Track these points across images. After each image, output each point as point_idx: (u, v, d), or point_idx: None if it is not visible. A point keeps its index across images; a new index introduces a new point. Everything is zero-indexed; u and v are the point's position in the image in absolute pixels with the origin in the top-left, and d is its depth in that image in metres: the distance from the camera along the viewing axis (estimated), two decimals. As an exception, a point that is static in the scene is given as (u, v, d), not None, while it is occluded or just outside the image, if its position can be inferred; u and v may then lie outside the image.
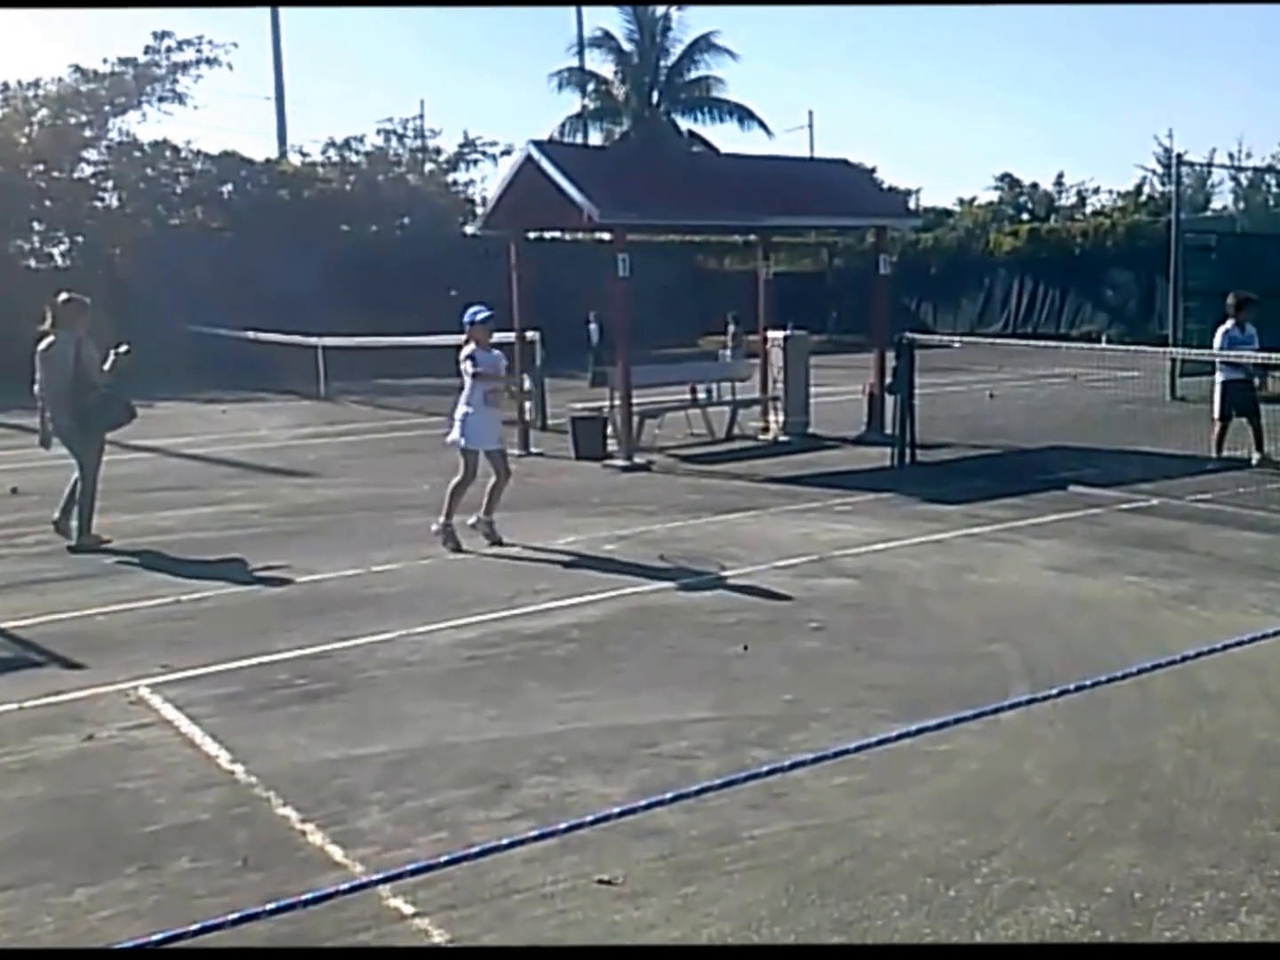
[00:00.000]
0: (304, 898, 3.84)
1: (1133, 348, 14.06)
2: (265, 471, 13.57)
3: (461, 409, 9.25)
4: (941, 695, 5.65)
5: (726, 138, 42.69)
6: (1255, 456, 11.97)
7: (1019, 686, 5.77)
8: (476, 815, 4.49)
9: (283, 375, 23.50)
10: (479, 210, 34.69)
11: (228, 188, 32.22)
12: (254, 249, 28.41)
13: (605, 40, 42.73)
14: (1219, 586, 7.54)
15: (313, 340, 23.03)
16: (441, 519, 9.18)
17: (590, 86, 42.94)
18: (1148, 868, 3.99)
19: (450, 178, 36.55)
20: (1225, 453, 12.06)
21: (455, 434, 9.28)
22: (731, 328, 22.49)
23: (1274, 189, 34.86)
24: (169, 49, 30.16)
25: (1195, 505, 10.10)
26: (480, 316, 9.35)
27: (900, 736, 5.11)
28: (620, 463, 13.13)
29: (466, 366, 9.18)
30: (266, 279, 26.44)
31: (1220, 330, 12.46)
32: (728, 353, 21.76)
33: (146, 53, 30.11)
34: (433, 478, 12.33)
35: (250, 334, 24.21)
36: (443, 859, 4.10)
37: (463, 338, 9.46)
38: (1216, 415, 12.32)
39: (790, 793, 4.63)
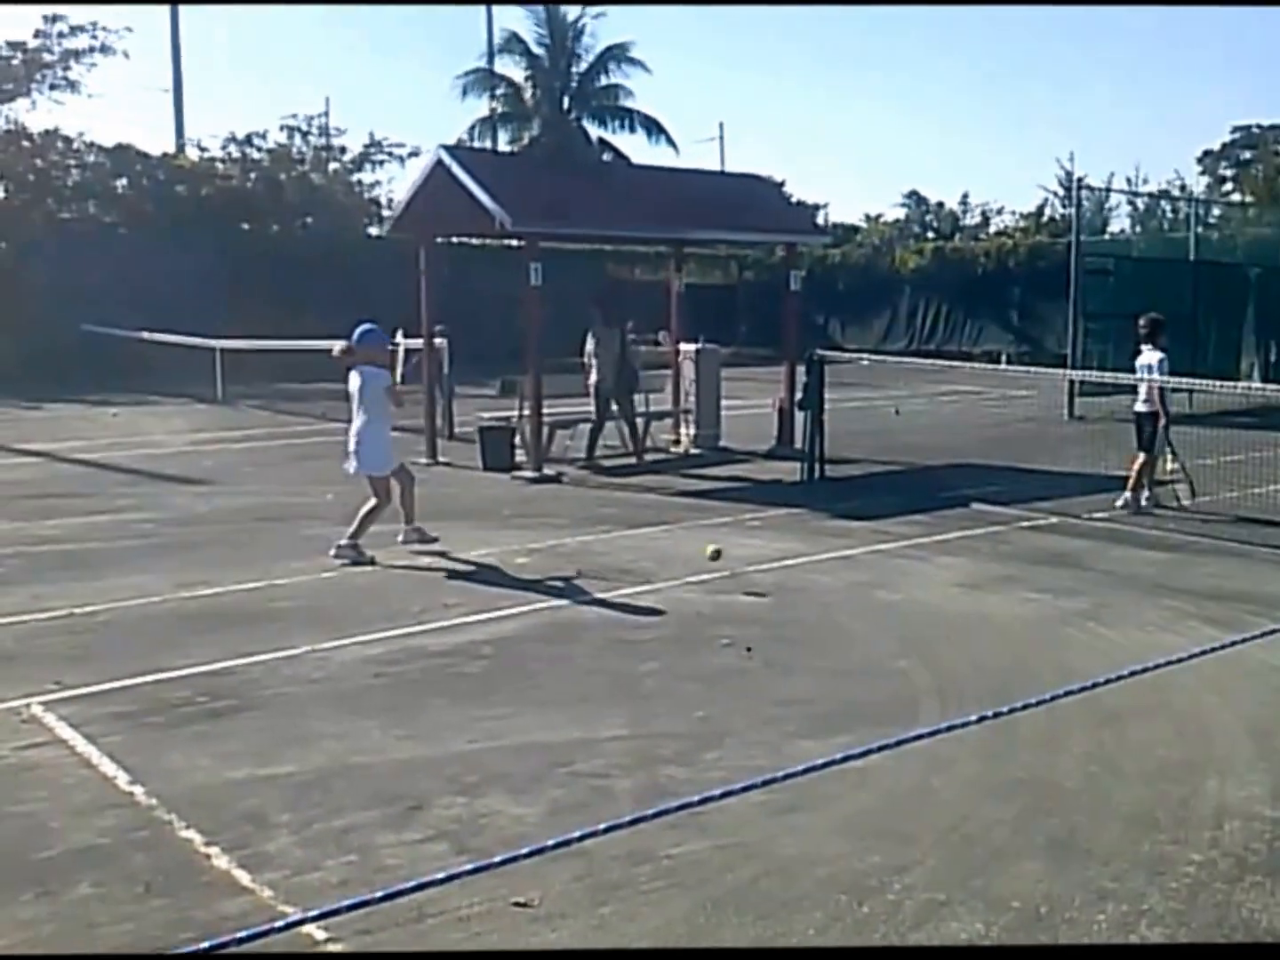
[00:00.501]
0: (237, 936, 3.71)
1: (1034, 369, 14.37)
2: (160, 479, 13.23)
3: (353, 436, 9.11)
4: (853, 712, 5.70)
5: (635, 148, 42.64)
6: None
7: (928, 702, 5.85)
8: (387, 837, 4.41)
9: (178, 378, 23.00)
10: (385, 212, 34.43)
11: (122, 182, 31.38)
12: (150, 246, 27.67)
13: (515, 44, 42.54)
14: (1118, 604, 7.70)
15: (210, 342, 22.54)
16: (346, 538, 8.94)
17: (499, 90, 42.69)
18: (1053, 882, 4.06)
19: (355, 178, 36.14)
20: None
21: (351, 463, 9.17)
22: (630, 337, 22.01)
23: (1168, 214, 35.91)
24: (60, 34, 29.35)
25: (1093, 524, 10.34)
26: (362, 332, 9.23)
27: (826, 765, 5.06)
28: (529, 474, 13.05)
29: (352, 390, 9.06)
30: (163, 277, 25.80)
31: (1159, 357, 10.91)
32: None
33: (36, 37, 29.27)
34: (336, 487, 12.17)
35: (145, 334, 23.64)
36: (378, 894, 3.95)
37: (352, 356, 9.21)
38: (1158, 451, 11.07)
39: (707, 812, 4.63)
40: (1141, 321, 11.25)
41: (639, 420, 14.59)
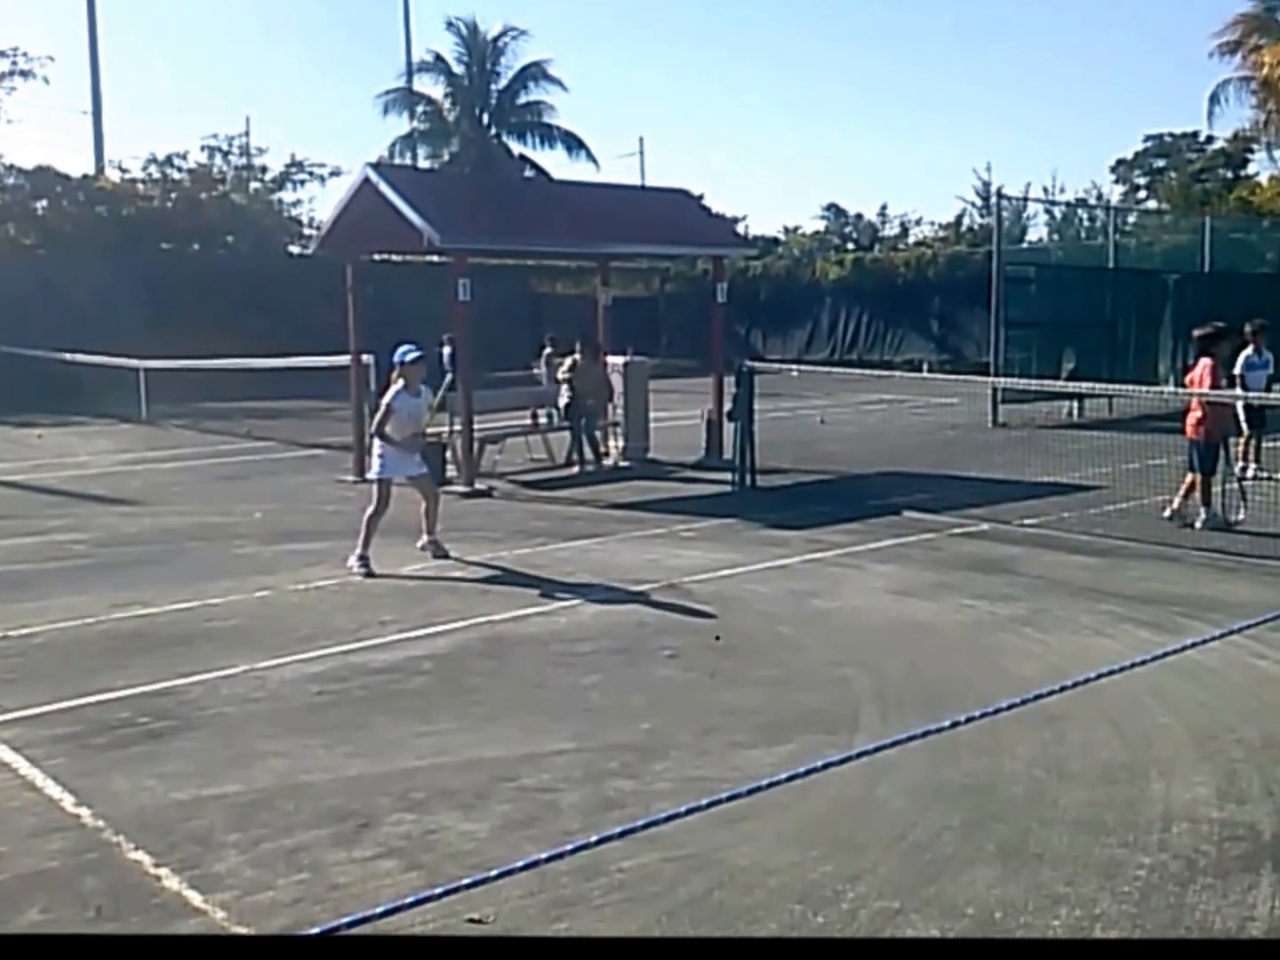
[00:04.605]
0: None
1: (962, 376, 14.57)
2: (88, 499, 13.01)
3: (376, 444, 9.28)
4: (796, 720, 5.74)
5: (555, 164, 42.68)
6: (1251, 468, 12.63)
7: (868, 708, 5.90)
8: (338, 855, 4.36)
9: (101, 398, 22.69)
10: (306, 231, 34.19)
11: (42, 204, 31.00)
12: (71, 267, 27.40)
13: (435, 63, 42.47)
14: (1052, 609, 7.80)
15: (133, 362, 22.23)
16: (358, 550, 9.04)
17: (420, 108, 42.59)
18: (1005, 888, 4.10)
19: (276, 197, 35.87)
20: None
21: (374, 469, 9.35)
22: (547, 349, 20.61)
23: (1085, 222, 36.67)
24: (-20, 59, 28.95)
25: (1024, 530, 10.47)
26: (410, 357, 9.33)
27: (792, 777, 5.12)
28: (461, 488, 12.99)
29: (380, 416, 9.27)
30: (84, 298, 25.65)
31: (1244, 355, 12.72)
32: (542, 373, 20.65)
33: (-45, 63, 28.84)
34: (264, 505, 12.07)
35: (66, 355, 23.29)
36: (349, 918, 3.92)
37: (394, 375, 9.45)
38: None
39: (655, 822, 4.63)
40: (1247, 328, 12.76)
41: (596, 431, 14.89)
